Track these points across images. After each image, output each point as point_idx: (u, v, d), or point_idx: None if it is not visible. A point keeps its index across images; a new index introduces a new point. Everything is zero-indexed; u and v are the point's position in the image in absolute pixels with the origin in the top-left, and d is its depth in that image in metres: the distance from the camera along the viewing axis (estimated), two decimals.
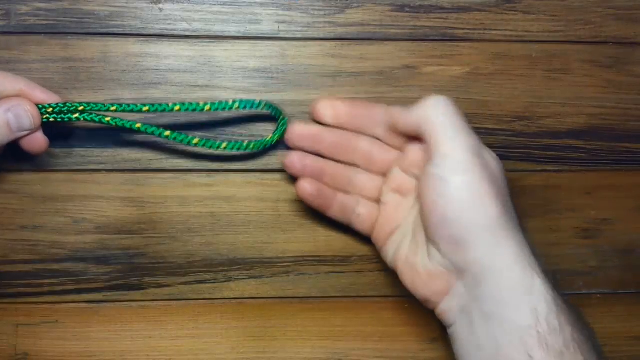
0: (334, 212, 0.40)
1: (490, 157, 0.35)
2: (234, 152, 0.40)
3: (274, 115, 0.40)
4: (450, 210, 0.34)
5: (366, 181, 0.40)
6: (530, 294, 0.33)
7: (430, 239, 0.35)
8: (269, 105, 0.39)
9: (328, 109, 0.39)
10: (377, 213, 0.40)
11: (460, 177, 0.34)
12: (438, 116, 0.35)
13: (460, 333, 0.35)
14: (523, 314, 0.32)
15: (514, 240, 0.34)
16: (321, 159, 0.40)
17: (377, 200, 0.40)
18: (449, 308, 0.36)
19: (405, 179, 0.39)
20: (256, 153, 0.41)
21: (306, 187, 0.39)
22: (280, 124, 0.40)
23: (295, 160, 0.39)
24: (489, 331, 0.33)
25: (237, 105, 0.38)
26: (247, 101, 0.39)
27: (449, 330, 0.37)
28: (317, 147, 0.40)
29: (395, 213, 0.39)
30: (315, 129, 0.39)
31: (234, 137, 0.41)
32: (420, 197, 0.36)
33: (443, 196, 0.34)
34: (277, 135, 0.40)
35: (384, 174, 0.40)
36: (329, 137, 0.39)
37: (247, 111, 0.40)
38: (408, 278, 0.37)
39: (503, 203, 0.34)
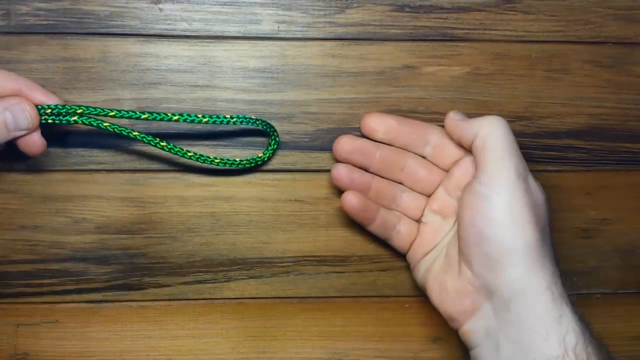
0: (375, 227, 0.40)
1: (535, 185, 0.36)
2: (227, 167, 0.40)
3: (267, 132, 0.40)
4: (488, 228, 0.34)
5: (410, 200, 0.40)
6: (559, 324, 0.33)
7: (464, 257, 0.35)
8: (264, 122, 0.40)
9: (379, 124, 0.39)
10: (416, 232, 0.40)
11: (504, 198, 0.34)
12: (493, 135, 0.35)
13: (485, 357, 0.35)
14: (551, 343, 0.32)
15: (547, 268, 0.34)
16: (367, 173, 0.40)
17: (418, 220, 0.40)
18: (474, 329, 0.36)
19: (448, 201, 0.39)
20: (256, 152, 0.41)
21: (352, 200, 0.39)
22: (272, 142, 0.40)
23: (343, 173, 0.39)
24: (515, 358, 0.33)
25: (234, 120, 0.39)
26: (244, 117, 0.39)
27: (472, 352, 0.36)
28: (365, 162, 0.39)
29: (434, 234, 0.39)
30: (364, 143, 0.39)
31: (231, 143, 0.41)
32: (460, 212, 0.36)
33: (483, 213, 0.34)
34: (268, 153, 0.40)
35: (428, 194, 0.40)
36: (378, 153, 0.39)
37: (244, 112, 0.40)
38: (436, 294, 0.37)
39: (541, 231, 0.34)
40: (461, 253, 0.36)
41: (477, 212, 0.34)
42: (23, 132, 0.36)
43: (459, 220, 0.36)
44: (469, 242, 0.35)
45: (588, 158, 0.43)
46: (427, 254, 0.39)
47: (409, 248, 0.40)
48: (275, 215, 0.41)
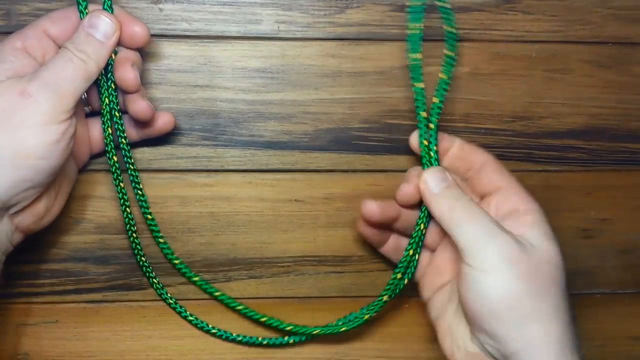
0: (387, 249, 0.40)
1: (539, 247, 0.34)
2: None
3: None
4: (481, 307, 0.33)
5: (428, 228, 0.39)
6: None
7: (470, 328, 0.35)
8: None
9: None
10: (429, 261, 0.39)
11: (492, 277, 0.33)
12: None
13: None
14: None
15: (553, 332, 0.33)
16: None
17: (433, 250, 0.39)
18: None
19: None
20: (256, 152, 0.41)
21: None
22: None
23: (374, 207, 0.37)
24: None
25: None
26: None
27: None
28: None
29: (444, 265, 0.38)
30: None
31: (234, 138, 0.41)
32: (457, 290, 0.35)
33: (475, 293, 0.33)
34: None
35: None
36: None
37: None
38: (448, 347, 0.36)
39: (540, 296, 0.33)
40: (468, 324, 0.35)
41: (467, 292, 0.33)
42: (113, 39, 0.35)
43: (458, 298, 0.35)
44: (468, 320, 0.34)
45: (588, 158, 0.43)
46: (439, 288, 0.38)
47: (422, 277, 0.39)
48: (274, 215, 0.41)
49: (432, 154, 0.38)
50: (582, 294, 0.43)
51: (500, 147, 0.42)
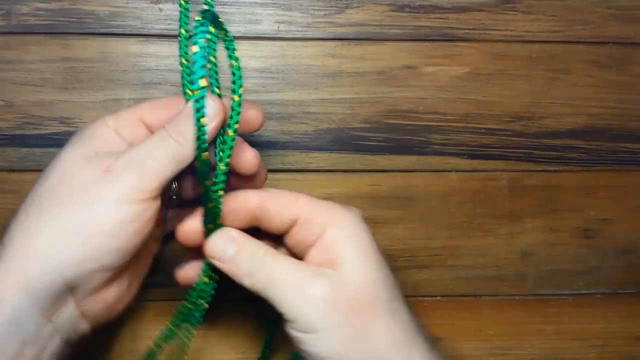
0: None
1: (350, 269, 0.31)
2: None
3: None
4: None
5: None
6: None
7: None
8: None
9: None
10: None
11: (320, 337, 0.30)
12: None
13: None
14: None
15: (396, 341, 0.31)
16: None
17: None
18: None
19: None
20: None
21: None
22: None
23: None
24: None
25: None
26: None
27: None
28: None
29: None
30: None
31: None
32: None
33: (312, 355, 0.31)
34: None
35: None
36: None
37: None
38: None
39: (367, 330, 0.30)
40: None
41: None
42: (215, 120, 0.31)
43: None
44: None
45: (588, 158, 0.43)
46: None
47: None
48: None
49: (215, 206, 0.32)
50: (582, 294, 0.43)
51: (500, 147, 0.42)
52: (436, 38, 0.41)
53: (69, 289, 0.30)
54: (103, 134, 0.32)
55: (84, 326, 0.32)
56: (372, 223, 0.42)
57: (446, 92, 0.42)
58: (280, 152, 0.41)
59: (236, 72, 0.31)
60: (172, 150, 0.31)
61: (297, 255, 0.33)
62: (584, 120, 0.43)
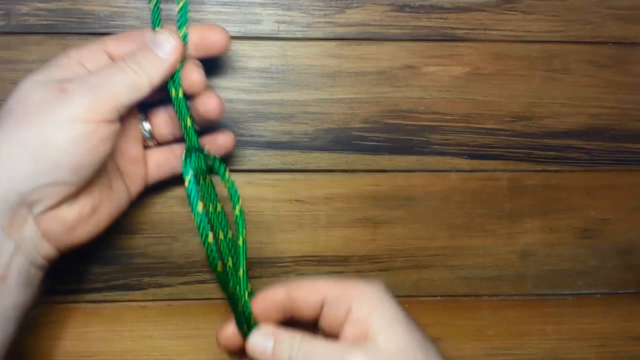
0: None
1: (384, 340, 0.32)
2: None
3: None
4: None
5: None
6: None
7: None
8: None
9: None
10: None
11: None
12: None
13: None
14: None
15: None
16: None
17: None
18: None
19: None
20: (256, 152, 0.41)
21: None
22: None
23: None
24: None
25: None
26: None
27: None
28: None
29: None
30: None
31: None
32: None
33: None
34: None
35: None
36: None
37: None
38: None
39: None
40: None
41: None
42: (173, 57, 0.34)
43: None
44: None
45: (588, 158, 0.43)
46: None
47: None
48: (275, 215, 0.41)
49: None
50: (582, 294, 0.43)
51: (500, 147, 0.42)
52: (436, 38, 0.41)
53: (27, 205, 0.31)
54: (64, 64, 0.34)
55: (47, 248, 0.33)
56: (372, 223, 0.42)
57: (446, 92, 0.42)
58: (280, 152, 0.41)
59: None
60: (128, 79, 0.32)
61: (333, 335, 0.34)
62: (584, 120, 0.43)
